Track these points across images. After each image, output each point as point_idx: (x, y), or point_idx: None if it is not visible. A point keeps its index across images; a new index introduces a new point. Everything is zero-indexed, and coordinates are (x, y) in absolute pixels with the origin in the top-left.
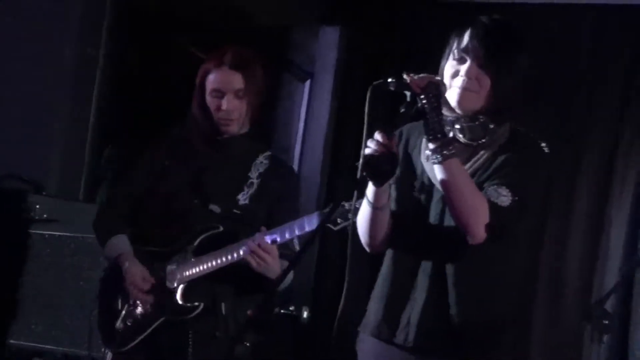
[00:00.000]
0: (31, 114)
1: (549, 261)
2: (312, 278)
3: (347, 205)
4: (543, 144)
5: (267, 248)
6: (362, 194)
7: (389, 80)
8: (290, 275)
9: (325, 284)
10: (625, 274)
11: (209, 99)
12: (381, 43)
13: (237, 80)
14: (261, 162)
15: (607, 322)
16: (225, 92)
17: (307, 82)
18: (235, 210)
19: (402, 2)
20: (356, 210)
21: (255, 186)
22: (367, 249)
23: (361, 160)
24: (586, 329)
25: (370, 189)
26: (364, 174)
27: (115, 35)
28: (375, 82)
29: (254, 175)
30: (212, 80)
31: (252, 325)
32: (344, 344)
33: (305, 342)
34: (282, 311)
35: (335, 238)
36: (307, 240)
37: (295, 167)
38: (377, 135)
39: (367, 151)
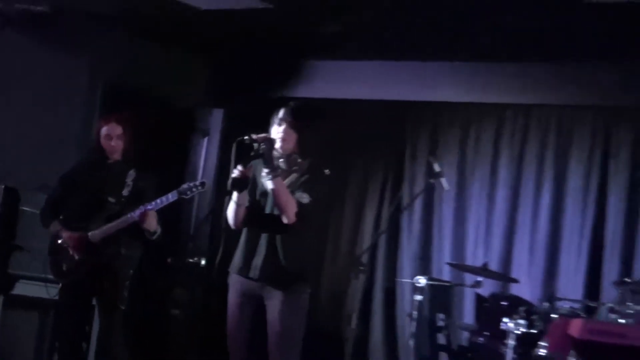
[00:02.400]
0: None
1: (333, 233)
2: (207, 240)
3: (191, 186)
4: (326, 170)
5: (146, 213)
6: (230, 197)
7: (246, 137)
8: (159, 230)
9: (213, 244)
10: (374, 242)
11: (102, 140)
12: (243, 116)
13: (117, 128)
14: (131, 173)
15: (362, 267)
16: (112, 133)
17: (206, 138)
18: (122, 199)
19: (253, 98)
20: (227, 205)
21: (131, 185)
22: (232, 226)
23: (230, 180)
24: (352, 270)
25: (235, 194)
26: (232, 186)
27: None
28: (238, 138)
29: (129, 181)
30: (107, 126)
31: (171, 269)
32: (222, 279)
33: (202, 281)
34: (189, 260)
35: (220, 218)
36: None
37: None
38: (239, 167)
39: (233, 175)
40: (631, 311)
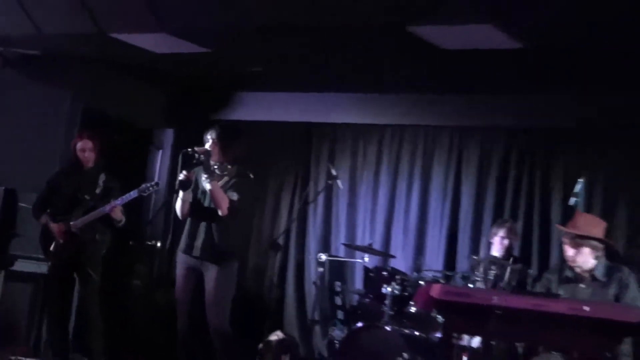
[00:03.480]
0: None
1: (257, 221)
2: (161, 227)
3: (148, 185)
4: (250, 175)
5: (115, 207)
6: (178, 195)
7: (189, 149)
8: (124, 220)
9: (166, 230)
10: (288, 227)
11: (78, 152)
12: (189, 134)
13: (89, 143)
14: (102, 176)
15: (279, 247)
16: (85, 147)
17: (160, 150)
18: (95, 197)
19: (196, 121)
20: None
21: (101, 186)
22: (180, 217)
23: (177, 182)
24: (271, 249)
25: (181, 192)
26: (179, 187)
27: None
28: (183, 150)
29: (100, 183)
30: (81, 142)
31: (133, 249)
32: (172, 257)
33: (157, 258)
34: (147, 242)
35: (171, 211)
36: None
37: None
38: (184, 172)
39: (180, 178)
40: (477, 279)
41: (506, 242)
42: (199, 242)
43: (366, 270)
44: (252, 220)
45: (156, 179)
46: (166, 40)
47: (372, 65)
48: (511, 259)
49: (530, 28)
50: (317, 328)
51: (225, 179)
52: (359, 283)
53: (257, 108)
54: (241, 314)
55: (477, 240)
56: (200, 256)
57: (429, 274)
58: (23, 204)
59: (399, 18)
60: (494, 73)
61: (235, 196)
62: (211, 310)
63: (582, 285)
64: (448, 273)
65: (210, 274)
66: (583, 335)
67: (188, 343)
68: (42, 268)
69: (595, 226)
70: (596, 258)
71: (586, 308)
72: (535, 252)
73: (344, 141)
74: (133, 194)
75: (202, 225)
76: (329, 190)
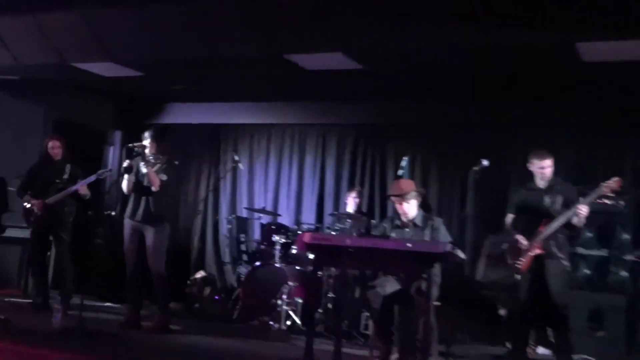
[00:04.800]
0: None
1: (184, 193)
2: (114, 201)
3: (104, 171)
4: (176, 162)
5: (82, 185)
6: (123, 177)
7: (131, 145)
8: (89, 195)
9: (117, 203)
10: (206, 196)
11: (49, 150)
12: (132, 134)
13: (57, 142)
14: (68, 165)
15: (199, 211)
16: (54, 146)
17: (112, 146)
18: (64, 181)
19: (137, 124)
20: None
21: (68, 173)
22: (125, 193)
23: (122, 167)
24: (194, 213)
25: (126, 175)
26: (124, 171)
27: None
28: (127, 145)
29: (67, 170)
30: (51, 142)
31: (94, 217)
32: (121, 222)
33: (112, 223)
34: (105, 212)
35: (119, 188)
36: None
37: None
38: (127, 160)
39: (124, 165)
40: (337, 228)
41: (357, 201)
42: (140, 211)
43: (262, 225)
44: (180, 194)
45: (109, 167)
46: (112, 67)
47: (261, 82)
48: (360, 214)
49: (369, 54)
50: (229, 267)
51: (158, 165)
52: (257, 235)
53: (181, 114)
54: (174, 260)
55: (338, 201)
56: (141, 221)
57: (304, 227)
58: (11, 188)
59: (279, 49)
60: (345, 86)
61: (164, 177)
62: (151, 259)
63: (407, 230)
64: (318, 225)
65: (149, 233)
66: (408, 262)
67: (135, 283)
68: (26, 233)
69: (410, 186)
70: (417, 209)
71: (409, 245)
72: (376, 208)
73: (243, 136)
74: (93, 177)
75: (142, 199)
76: (234, 171)
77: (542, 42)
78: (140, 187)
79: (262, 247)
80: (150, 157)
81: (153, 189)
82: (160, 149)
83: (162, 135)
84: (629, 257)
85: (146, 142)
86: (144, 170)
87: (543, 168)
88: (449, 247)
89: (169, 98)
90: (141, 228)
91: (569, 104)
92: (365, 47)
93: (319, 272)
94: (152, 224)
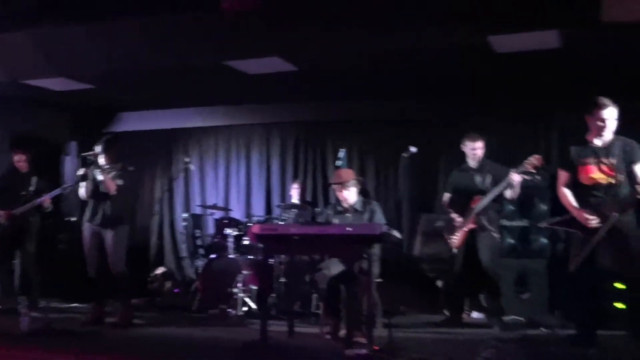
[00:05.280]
0: None
1: (142, 196)
2: (73, 208)
3: (68, 186)
4: (131, 168)
5: (46, 199)
6: (79, 184)
7: (85, 154)
8: (51, 207)
9: (77, 209)
10: (161, 197)
11: (15, 163)
12: (87, 144)
13: (22, 156)
14: (34, 178)
15: (156, 211)
16: (20, 159)
17: (69, 157)
18: (30, 192)
19: (92, 134)
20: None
21: (34, 185)
22: (83, 198)
23: (79, 175)
24: (151, 213)
25: (81, 183)
26: (80, 179)
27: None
28: (82, 154)
29: (33, 183)
30: (17, 156)
31: (55, 224)
32: (80, 226)
33: (73, 228)
34: (66, 219)
35: (77, 195)
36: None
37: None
38: (83, 168)
39: (80, 173)
40: (284, 218)
41: (300, 191)
42: (98, 215)
43: (215, 220)
44: (137, 196)
45: (66, 177)
46: (64, 82)
47: (207, 88)
48: (304, 203)
49: (303, 57)
50: (187, 261)
51: (113, 172)
52: (211, 229)
53: (134, 122)
54: (134, 259)
55: (284, 193)
56: (100, 224)
57: (255, 219)
58: None
59: (221, 57)
60: (285, 87)
61: (120, 182)
62: (111, 259)
63: (348, 215)
64: (267, 217)
65: (108, 235)
66: (349, 245)
67: (97, 282)
68: None
69: (349, 174)
70: (357, 195)
71: (349, 229)
72: (320, 197)
73: (193, 139)
74: (58, 190)
75: (100, 204)
76: (186, 172)
77: (460, 38)
78: (97, 193)
79: (217, 240)
80: (105, 165)
81: (110, 193)
82: (113, 156)
83: (114, 143)
84: (543, 225)
85: (99, 150)
86: (99, 177)
87: (474, 149)
88: (385, 229)
89: (121, 107)
90: (100, 231)
91: (488, 94)
92: (300, 51)
93: (270, 260)
94: (110, 226)
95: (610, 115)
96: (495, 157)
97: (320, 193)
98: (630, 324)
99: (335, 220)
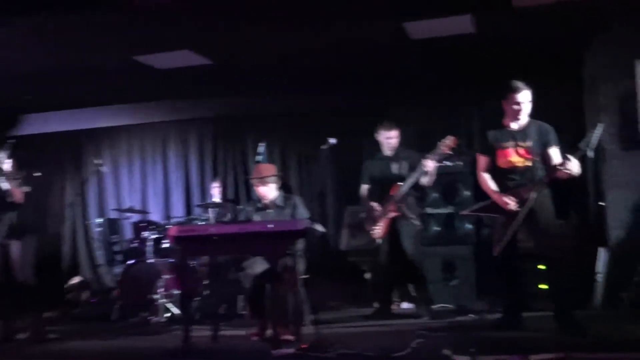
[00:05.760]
0: None
1: (52, 203)
2: None
3: None
4: (39, 173)
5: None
6: None
7: None
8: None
9: None
10: (72, 202)
11: None
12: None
13: None
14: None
15: (68, 217)
16: None
17: None
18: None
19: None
20: None
21: None
22: None
23: None
24: (63, 219)
25: None
26: None
27: None
28: None
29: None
30: None
31: None
32: None
33: None
34: None
35: None
36: None
37: None
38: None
39: None
40: (205, 218)
41: (221, 189)
42: (4, 226)
43: (133, 224)
44: (46, 203)
45: None
46: None
47: (116, 85)
48: (226, 201)
49: (217, 50)
50: (104, 269)
51: (18, 179)
52: (129, 234)
53: (39, 124)
54: (46, 269)
55: (204, 192)
56: (6, 236)
57: (174, 220)
58: None
59: (130, 52)
60: (199, 82)
61: (26, 189)
62: (18, 272)
63: (269, 211)
64: (187, 217)
65: (14, 247)
66: (272, 242)
67: (5, 297)
68: None
69: (270, 170)
70: (277, 190)
71: (270, 226)
72: (242, 194)
73: (104, 140)
74: None
75: (7, 213)
76: (98, 174)
77: (374, 25)
78: (3, 202)
79: (135, 245)
80: (9, 172)
81: (17, 202)
82: (18, 162)
83: (17, 149)
84: (465, 213)
85: (3, 156)
86: (4, 185)
87: (389, 138)
88: (308, 223)
89: (24, 109)
90: (6, 243)
91: (407, 81)
92: (214, 44)
93: (192, 262)
94: (16, 237)
95: (525, 98)
96: (416, 144)
97: (242, 190)
98: (553, 303)
99: (257, 217)
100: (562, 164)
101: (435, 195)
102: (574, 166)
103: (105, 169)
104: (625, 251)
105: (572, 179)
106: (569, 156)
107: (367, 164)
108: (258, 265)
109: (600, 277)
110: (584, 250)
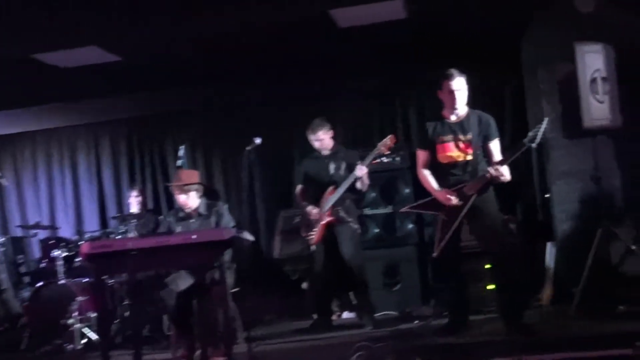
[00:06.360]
0: None
1: None
2: None
3: None
4: None
5: None
6: None
7: None
8: None
9: None
10: None
11: None
12: None
13: None
14: None
15: None
16: None
17: None
18: None
19: None
20: None
21: None
22: None
23: None
24: None
25: None
26: None
27: None
28: None
29: None
30: None
31: None
32: None
33: None
34: None
35: None
36: None
37: None
38: None
39: None
40: (122, 231)
41: (139, 199)
42: None
43: (40, 241)
44: None
45: None
46: None
47: (12, 85)
48: (145, 212)
49: (126, 44)
50: (10, 293)
51: None
52: (36, 253)
53: None
54: None
55: (121, 203)
56: None
57: (87, 235)
58: None
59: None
60: (110, 80)
61: None
62: None
63: (192, 220)
64: (102, 231)
65: None
66: (196, 254)
67: None
68: None
69: (193, 176)
70: (199, 198)
71: (194, 236)
72: (163, 202)
73: (4, 148)
74: None
75: None
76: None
77: (297, 12)
78: None
79: (43, 265)
80: None
81: None
82: None
83: None
84: (404, 210)
85: None
86: None
87: (319, 140)
88: (234, 232)
89: None
90: None
91: (337, 72)
92: (122, 38)
93: (110, 281)
94: None
95: (459, 85)
96: (352, 138)
97: (163, 199)
98: (500, 303)
99: (179, 228)
100: (495, 169)
101: (373, 194)
102: (505, 172)
103: (5, 181)
104: (574, 245)
105: (517, 170)
106: (498, 167)
107: (303, 162)
108: (182, 281)
109: (549, 273)
110: (531, 245)
